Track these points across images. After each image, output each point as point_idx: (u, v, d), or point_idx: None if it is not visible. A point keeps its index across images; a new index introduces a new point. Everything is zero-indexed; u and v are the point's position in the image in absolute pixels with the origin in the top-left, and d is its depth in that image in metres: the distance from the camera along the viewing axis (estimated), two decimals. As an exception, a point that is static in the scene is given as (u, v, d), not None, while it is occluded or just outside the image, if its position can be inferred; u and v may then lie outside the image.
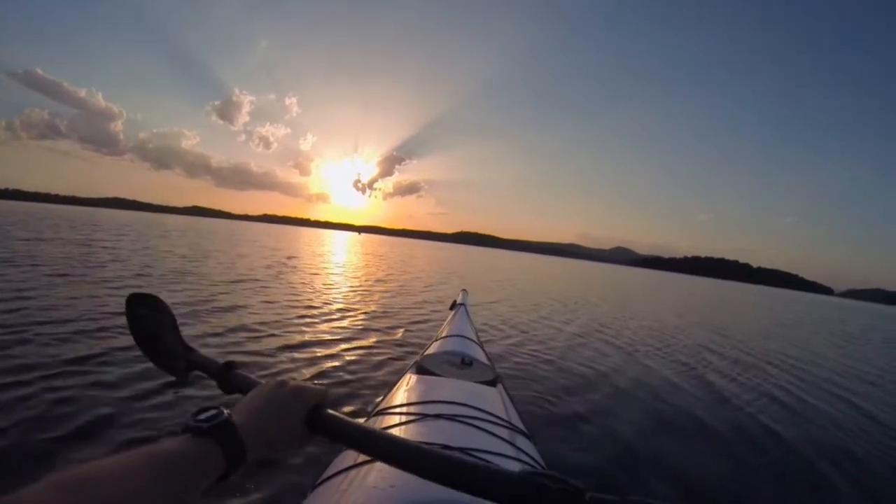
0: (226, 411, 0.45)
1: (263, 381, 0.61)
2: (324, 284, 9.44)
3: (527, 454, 1.17)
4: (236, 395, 0.63)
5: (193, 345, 0.85)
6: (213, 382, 0.73)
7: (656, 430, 3.32)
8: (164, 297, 0.94)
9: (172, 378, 0.89)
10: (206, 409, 0.44)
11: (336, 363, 3.86)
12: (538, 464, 1.17)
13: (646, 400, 3.97)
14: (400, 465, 0.51)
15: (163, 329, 0.87)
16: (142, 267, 8.65)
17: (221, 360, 0.74)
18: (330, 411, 0.55)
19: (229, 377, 0.71)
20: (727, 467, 2.85)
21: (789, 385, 5.25)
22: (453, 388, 1.52)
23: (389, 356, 4.27)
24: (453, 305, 3.05)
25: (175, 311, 0.88)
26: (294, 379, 0.56)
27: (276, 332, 4.67)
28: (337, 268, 14.04)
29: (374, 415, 1.37)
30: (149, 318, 0.88)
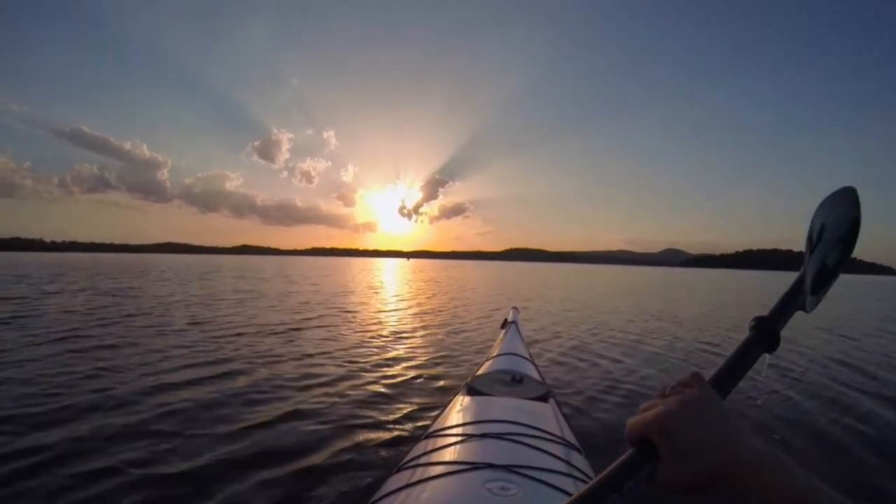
0: None
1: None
2: (376, 311, 9.67)
3: (579, 469, 1.16)
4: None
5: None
6: None
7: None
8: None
9: None
10: None
11: (389, 389, 3.95)
12: (589, 478, 1.15)
13: None
14: None
15: None
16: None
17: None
18: None
19: None
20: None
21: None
22: (503, 406, 1.52)
23: (442, 379, 4.32)
24: (504, 324, 3.05)
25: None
26: None
27: (338, 359, 4.89)
28: (389, 295, 14.27)
29: (425, 437, 1.40)
30: None
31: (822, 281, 0.50)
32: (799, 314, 0.49)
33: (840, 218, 0.51)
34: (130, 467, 2.36)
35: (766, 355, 0.44)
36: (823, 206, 0.52)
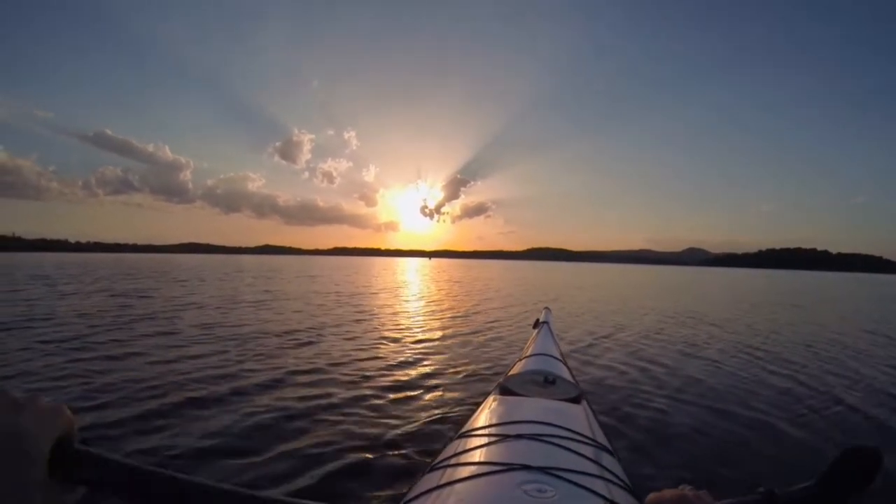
0: None
1: None
2: (403, 312, 9.71)
3: (611, 472, 1.14)
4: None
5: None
6: None
7: (742, 441, 3.05)
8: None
9: None
10: None
11: (420, 389, 3.94)
12: (622, 482, 1.13)
13: (732, 411, 3.64)
14: None
15: None
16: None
17: None
18: (83, 447, 0.35)
19: None
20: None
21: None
22: (536, 407, 1.50)
23: (474, 379, 4.30)
24: (536, 324, 3.01)
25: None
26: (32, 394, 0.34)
27: (368, 359, 4.91)
28: (415, 295, 14.27)
29: (458, 437, 1.37)
30: None
31: None
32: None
33: (855, 482, 0.47)
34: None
35: None
36: (844, 457, 0.48)
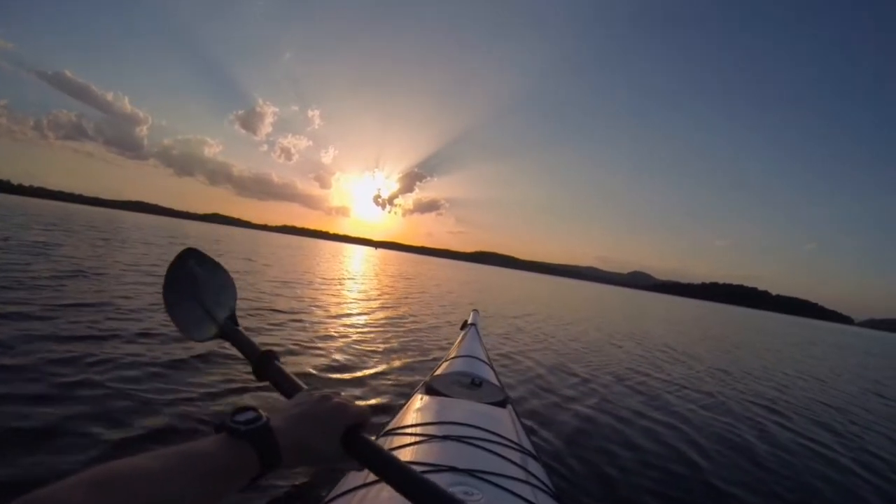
0: (264, 415, 0.43)
1: (304, 383, 0.60)
2: (338, 303, 9.50)
3: (536, 477, 1.17)
4: (266, 392, 0.56)
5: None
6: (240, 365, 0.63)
7: (658, 453, 3.25)
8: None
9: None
10: (244, 410, 0.43)
11: (344, 382, 3.81)
12: (547, 487, 1.17)
13: (651, 422, 3.92)
14: None
15: (207, 291, 0.79)
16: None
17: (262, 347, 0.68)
18: (366, 436, 0.51)
19: (267, 366, 0.65)
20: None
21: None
22: (462, 409, 1.52)
23: (399, 376, 4.21)
24: (464, 325, 3.02)
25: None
26: (338, 394, 0.53)
27: (290, 351, 4.66)
28: (354, 285, 13.88)
29: (383, 435, 1.36)
30: (197, 276, 0.80)
31: None
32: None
33: None
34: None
35: None
36: None
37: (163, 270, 0.78)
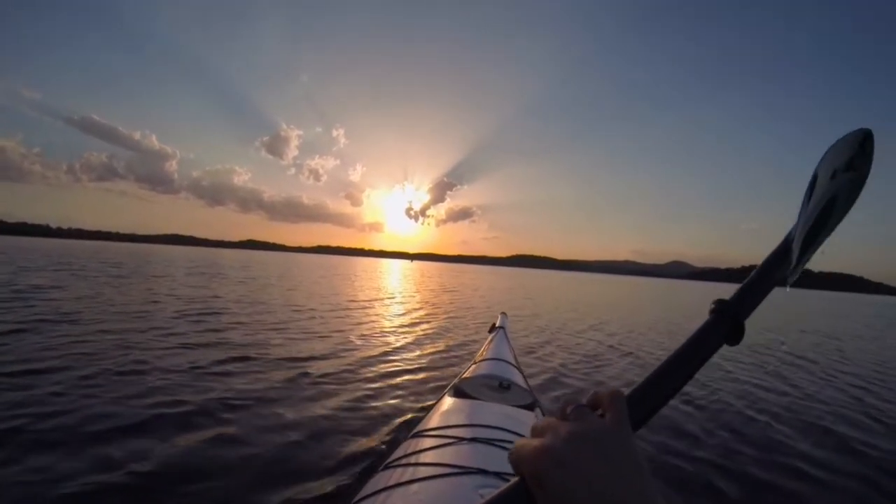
0: None
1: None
2: (373, 311, 9.62)
3: None
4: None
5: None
6: None
7: (689, 452, 3.12)
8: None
9: None
10: None
11: (376, 386, 3.92)
12: None
13: (680, 420, 3.71)
14: None
15: None
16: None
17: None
18: None
19: None
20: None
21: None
22: (491, 412, 1.53)
23: (430, 379, 4.30)
24: (492, 328, 3.03)
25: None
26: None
27: (323, 356, 4.82)
28: (388, 296, 14.01)
29: (412, 437, 1.39)
30: None
31: (813, 240, 0.39)
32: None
33: (847, 166, 0.40)
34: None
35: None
36: (832, 151, 0.41)
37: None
